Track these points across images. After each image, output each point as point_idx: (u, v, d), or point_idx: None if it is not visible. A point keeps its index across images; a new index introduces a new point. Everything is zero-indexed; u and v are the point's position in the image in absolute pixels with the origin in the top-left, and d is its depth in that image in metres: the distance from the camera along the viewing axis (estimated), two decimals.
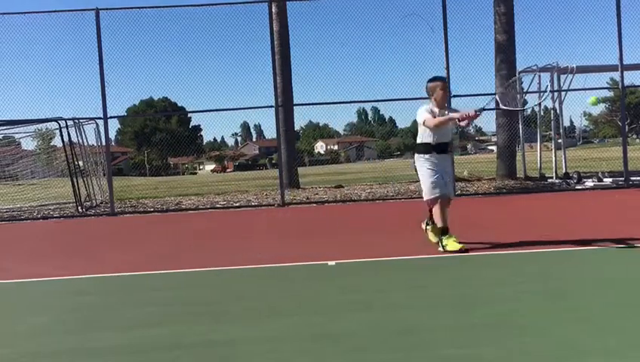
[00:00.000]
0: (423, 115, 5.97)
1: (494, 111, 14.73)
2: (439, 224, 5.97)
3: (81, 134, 14.48)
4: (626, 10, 14.34)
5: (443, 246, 5.90)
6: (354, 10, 17.67)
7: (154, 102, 62.04)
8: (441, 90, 6.03)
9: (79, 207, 13.20)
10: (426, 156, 6.02)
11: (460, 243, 5.85)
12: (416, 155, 6.16)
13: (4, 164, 19.88)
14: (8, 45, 13.58)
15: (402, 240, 6.82)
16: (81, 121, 14.38)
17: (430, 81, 6.12)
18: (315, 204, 12.47)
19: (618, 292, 4.20)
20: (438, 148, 6.01)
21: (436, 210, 5.99)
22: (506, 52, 14.43)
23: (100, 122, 13.29)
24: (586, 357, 2.95)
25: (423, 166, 6.05)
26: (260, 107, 13.29)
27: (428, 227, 6.27)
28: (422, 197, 6.21)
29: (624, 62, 12.78)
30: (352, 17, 19.53)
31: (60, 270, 6.13)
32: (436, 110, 6.02)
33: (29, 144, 24.96)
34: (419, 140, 6.14)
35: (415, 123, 6.35)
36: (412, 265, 5.57)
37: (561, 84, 15.09)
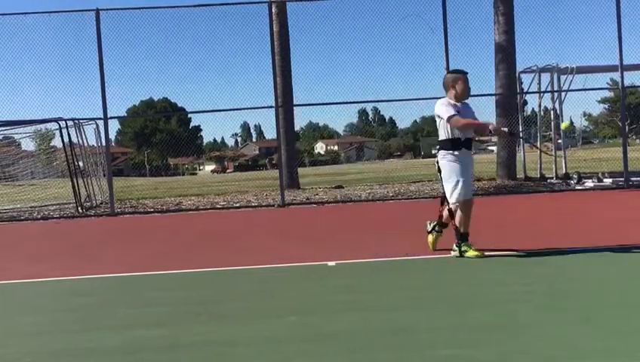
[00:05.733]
0: (448, 110, 5.55)
1: (494, 110, 14.77)
2: (462, 229, 5.58)
3: (81, 135, 14.50)
4: (626, 11, 14.35)
5: (461, 253, 5.58)
6: (354, 10, 17.71)
7: (154, 102, 62.05)
8: (463, 83, 5.65)
9: (79, 208, 13.19)
10: (455, 153, 5.58)
11: (477, 249, 5.57)
12: (441, 152, 5.68)
13: (4, 165, 19.89)
14: (8, 46, 13.62)
15: (402, 240, 6.82)
16: (81, 121, 14.39)
17: (451, 72, 5.85)
18: (315, 205, 12.47)
19: (618, 292, 4.20)
20: (466, 145, 5.61)
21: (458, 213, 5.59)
22: (506, 52, 14.42)
23: (100, 123, 13.32)
24: (586, 358, 2.95)
25: (448, 163, 5.60)
26: (260, 107, 13.30)
27: (434, 231, 5.91)
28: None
29: (624, 63, 12.79)
30: (352, 18, 19.56)
31: (59, 270, 6.13)
32: (458, 104, 5.65)
33: (29, 145, 24.97)
34: (444, 136, 5.65)
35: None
36: (412, 265, 5.56)
37: (561, 85, 15.09)
